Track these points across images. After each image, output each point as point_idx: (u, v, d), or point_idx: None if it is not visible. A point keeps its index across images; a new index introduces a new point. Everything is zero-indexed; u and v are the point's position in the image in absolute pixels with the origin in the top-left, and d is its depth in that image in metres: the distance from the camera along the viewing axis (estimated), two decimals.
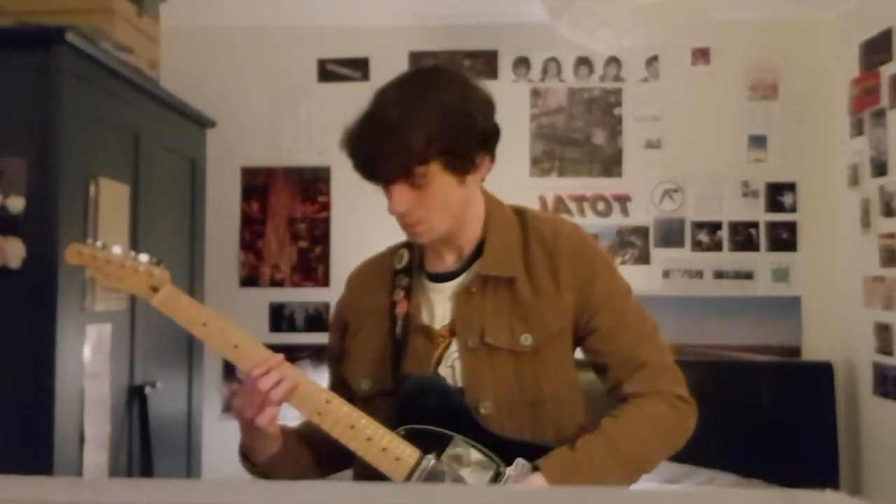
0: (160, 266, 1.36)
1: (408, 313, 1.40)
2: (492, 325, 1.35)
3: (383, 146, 1.29)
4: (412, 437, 1.31)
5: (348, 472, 1.49)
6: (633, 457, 1.34)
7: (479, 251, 1.40)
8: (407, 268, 1.45)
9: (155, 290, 1.35)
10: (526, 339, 1.35)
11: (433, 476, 1.29)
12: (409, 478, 1.28)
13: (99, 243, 1.37)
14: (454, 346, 1.37)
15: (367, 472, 1.31)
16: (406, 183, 1.31)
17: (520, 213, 1.45)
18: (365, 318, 1.46)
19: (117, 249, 1.36)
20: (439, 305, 1.41)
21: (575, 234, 1.42)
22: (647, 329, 1.42)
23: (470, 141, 1.32)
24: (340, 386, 1.44)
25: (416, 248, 1.47)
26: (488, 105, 1.38)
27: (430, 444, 1.31)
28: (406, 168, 1.29)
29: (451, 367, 1.37)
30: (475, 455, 1.31)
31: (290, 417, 1.39)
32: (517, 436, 1.32)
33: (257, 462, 1.39)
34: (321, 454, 1.47)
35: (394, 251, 1.51)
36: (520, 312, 1.36)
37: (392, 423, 1.32)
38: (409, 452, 1.30)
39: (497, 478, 1.30)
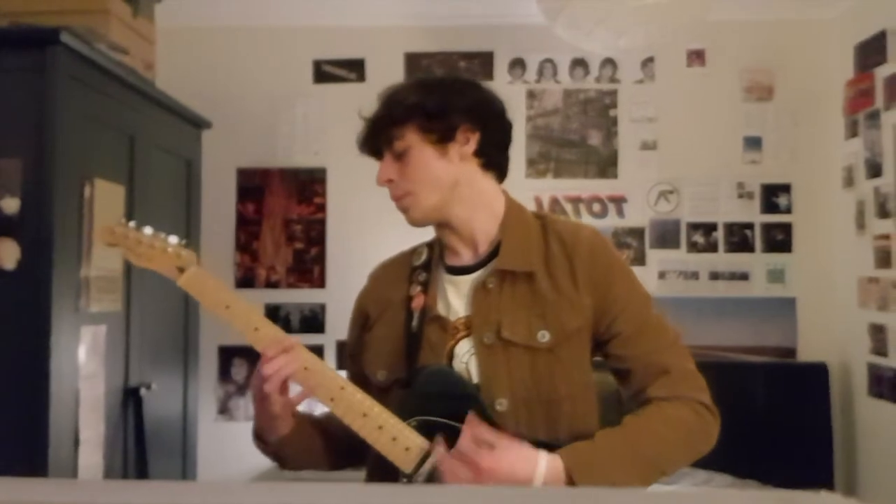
0: (188, 248, 1.41)
1: (424, 306, 1.41)
2: (509, 320, 1.36)
3: (371, 119, 1.43)
4: (424, 429, 1.31)
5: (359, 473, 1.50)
6: (654, 456, 1.32)
7: (497, 251, 1.41)
8: (425, 264, 1.47)
9: (181, 270, 1.39)
10: (543, 336, 1.34)
11: None
12: (417, 469, 1.29)
13: (131, 224, 1.42)
14: (469, 343, 1.37)
15: (380, 464, 1.32)
16: (390, 152, 1.40)
17: (540, 216, 1.47)
18: (384, 310, 1.48)
19: (148, 230, 1.41)
20: (455, 298, 1.42)
21: (594, 238, 1.43)
22: (669, 335, 1.42)
23: (446, 104, 1.39)
24: (359, 381, 1.44)
25: (436, 244, 1.49)
26: (478, 89, 1.46)
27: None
28: (384, 129, 1.39)
29: (465, 364, 1.37)
30: None
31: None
32: (531, 434, 1.32)
33: (268, 441, 1.41)
34: (337, 444, 1.48)
35: (413, 249, 1.54)
36: (538, 309, 1.36)
37: (405, 414, 1.33)
38: (420, 443, 1.30)
39: None
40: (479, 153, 1.42)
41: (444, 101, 1.39)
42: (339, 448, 1.49)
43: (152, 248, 1.40)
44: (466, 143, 1.40)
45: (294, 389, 1.36)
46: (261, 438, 1.43)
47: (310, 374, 1.33)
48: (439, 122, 1.38)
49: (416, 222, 1.43)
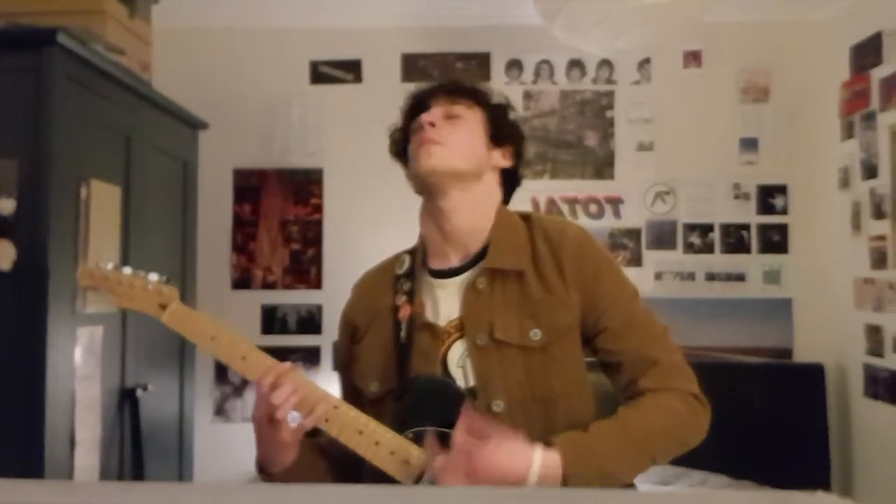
0: (168, 284, 1.41)
1: (412, 316, 1.40)
2: (501, 320, 1.36)
3: (444, 83, 1.50)
4: (421, 440, 1.30)
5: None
6: (646, 444, 1.33)
7: (484, 252, 1.42)
8: (408, 272, 1.47)
9: (163, 307, 1.39)
10: (535, 335, 1.35)
11: None
12: (418, 481, 1.28)
13: (110, 265, 1.42)
14: (462, 345, 1.37)
15: (377, 478, 1.31)
16: (444, 110, 1.45)
17: (526, 217, 1.48)
18: (372, 320, 1.48)
19: (127, 270, 1.42)
20: (444, 301, 1.41)
21: (580, 235, 1.44)
22: (657, 329, 1.43)
23: (514, 122, 1.52)
24: (352, 393, 1.44)
25: (418, 251, 1.49)
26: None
27: (439, 446, 1.29)
28: (454, 96, 1.46)
29: (462, 368, 1.37)
30: None
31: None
32: (528, 434, 1.30)
33: (273, 473, 1.38)
34: (337, 463, 1.46)
35: (395, 258, 1.54)
36: (529, 309, 1.37)
37: (400, 426, 1.32)
38: (418, 455, 1.29)
39: None
40: (504, 173, 1.51)
41: (513, 120, 1.52)
42: (339, 466, 1.47)
43: (132, 288, 1.40)
44: (503, 158, 1.49)
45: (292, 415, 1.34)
46: (265, 470, 1.39)
47: (304, 397, 1.31)
48: (502, 126, 1.49)
49: (433, 168, 1.41)
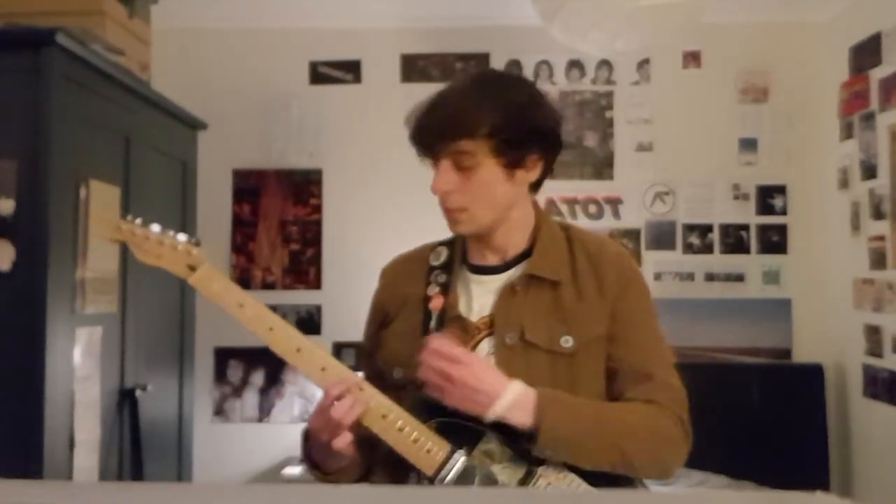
0: (198, 246, 1.38)
1: (444, 308, 1.40)
2: (531, 323, 1.36)
3: (436, 116, 1.35)
4: (444, 431, 1.31)
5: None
6: (618, 432, 1.31)
7: (523, 256, 1.43)
8: (445, 265, 1.46)
9: (192, 269, 1.37)
10: (567, 342, 1.35)
11: (464, 471, 1.29)
12: (438, 471, 1.28)
13: (138, 220, 1.40)
14: (489, 343, 1.38)
15: (392, 465, 1.31)
16: (452, 161, 1.34)
17: (565, 227, 1.48)
18: (401, 306, 1.47)
19: (156, 227, 1.39)
20: (479, 298, 1.42)
21: (619, 252, 1.47)
22: (665, 352, 1.43)
23: (521, 130, 1.35)
24: (374, 379, 1.42)
25: (457, 245, 1.48)
26: (551, 111, 1.43)
27: (461, 438, 1.30)
28: (453, 137, 1.32)
29: None
30: (507, 452, 1.31)
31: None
32: None
33: (328, 472, 1.39)
34: (371, 450, 1.45)
35: (432, 248, 1.52)
36: (560, 315, 1.37)
37: (424, 416, 1.32)
38: (441, 446, 1.29)
39: (528, 476, 1.29)
40: (536, 179, 1.43)
41: (524, 128, 1.35)
42: (372, 455, 1.45)
43: (161, 245, 1.37)
44: (531, 171, 1.40)
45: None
46: (320, 469, 1.40)
47: (327, 374, 1.32)
48: (515, 149, 1.35)
49: (466, 233, 1.42)
